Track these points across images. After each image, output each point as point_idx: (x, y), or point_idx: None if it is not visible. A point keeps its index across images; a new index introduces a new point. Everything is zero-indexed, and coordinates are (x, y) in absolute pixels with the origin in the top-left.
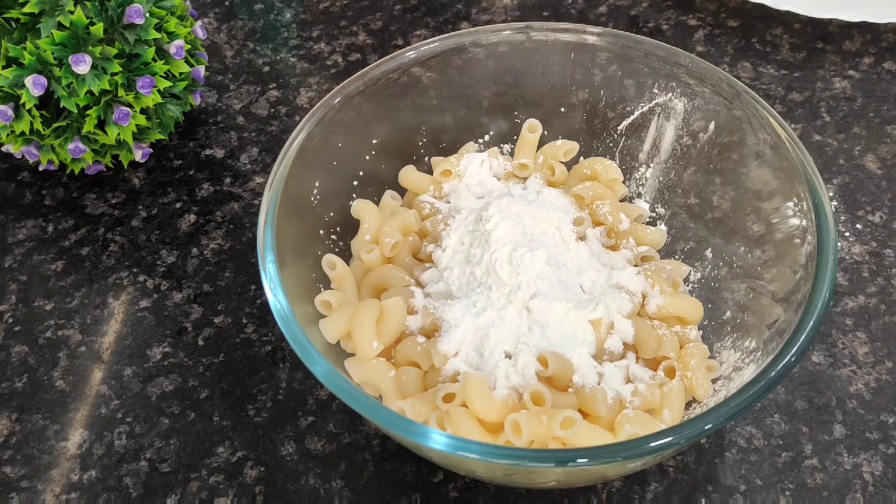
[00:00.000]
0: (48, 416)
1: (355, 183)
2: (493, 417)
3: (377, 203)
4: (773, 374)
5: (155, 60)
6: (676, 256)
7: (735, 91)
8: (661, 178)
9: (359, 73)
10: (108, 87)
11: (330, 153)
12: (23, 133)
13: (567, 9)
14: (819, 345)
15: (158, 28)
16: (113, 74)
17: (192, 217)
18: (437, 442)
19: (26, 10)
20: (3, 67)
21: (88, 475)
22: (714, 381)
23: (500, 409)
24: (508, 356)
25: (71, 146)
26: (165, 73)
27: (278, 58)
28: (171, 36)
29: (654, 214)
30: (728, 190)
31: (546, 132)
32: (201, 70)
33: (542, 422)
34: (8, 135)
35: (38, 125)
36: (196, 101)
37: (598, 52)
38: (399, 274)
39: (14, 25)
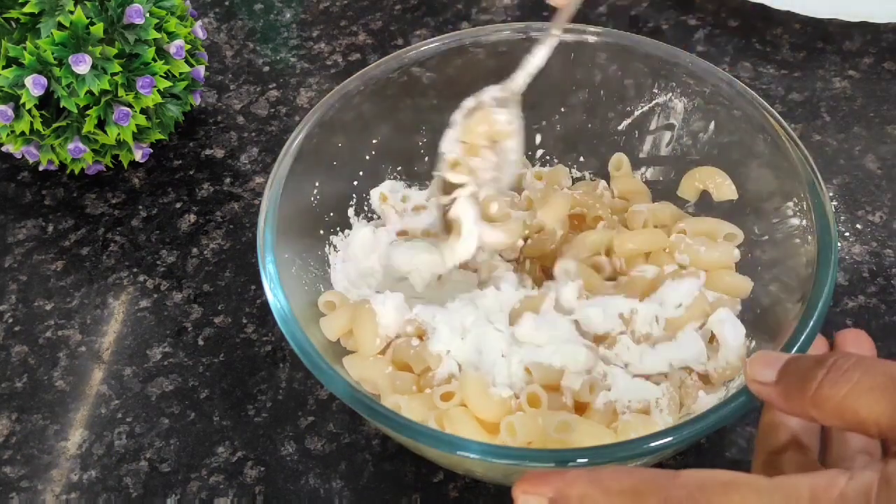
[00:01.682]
0: (48, 416)
1: (355, 183)
2: (492, 417)
3: None
4: None
5: (155, 60)
6: None
7: (735, 91)
8: (661, 178)
9: (359, 73)
10: (108, 87)
11: (330, 153)
12: (23, 133)
13: None
14: None
15: (158, 28)
16: (113, 74)
17: (192, 217)
18: (436, 442)
19: (26, 10)
20: (3, 67)
21: (88, 475)
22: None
23: (499, 408)
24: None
25: (71, 146)
26: (165, 73)
27: (278, 58)
28: (171, 36)
29: None
30: None
31: (545, 129)
32: (201, 70)
33: (537, 424)
34: (8, 135)
35: (38, 125)
36: (196, 101)
37: (598, 52)
38: None
39: (14, 25)
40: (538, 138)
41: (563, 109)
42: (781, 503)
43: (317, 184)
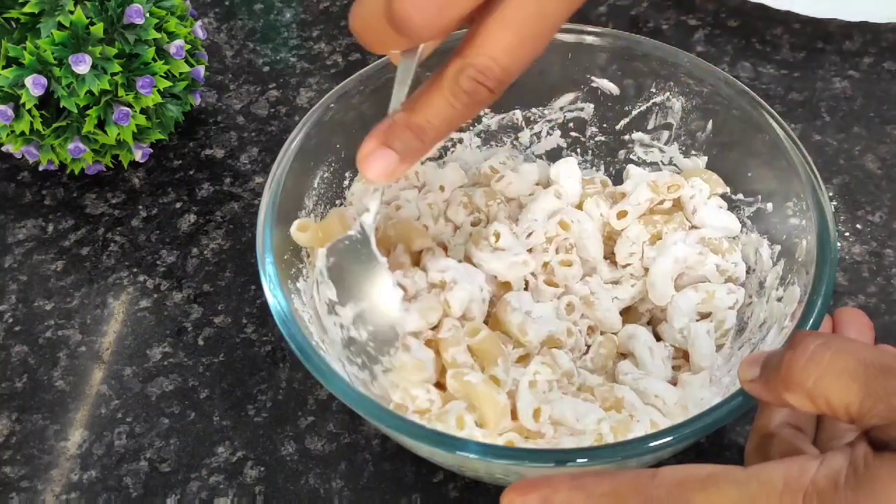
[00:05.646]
0: (48, 416)
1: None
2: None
3: None
4: None
5: (155, 60)
6: None
7: (735, 91)
8: None
9: (358, 73)
10: (108, 87)
11: (329, 153)
12: (23, 133)
13: None
14: None
15: (158, 28)
16: (113, 74)
17: (192, 217)
18: (436, 442)
19: (26, 10)
20: (3, 67)
21: (88, 475)
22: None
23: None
24: None
25: (71, 146)
26: (165, 73)
27: (278, 58)
28: (171, 36)
29: None
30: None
31: (544, 128)
32: (201, 70)
33: None
34: (8, 135)
35: (38, 125)
36: (196, 101)
37: (598, 52)
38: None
39: (14, 25)
40: (536, 138)
41: (561, 108)
42: (757, 493)
43: (316, 184)
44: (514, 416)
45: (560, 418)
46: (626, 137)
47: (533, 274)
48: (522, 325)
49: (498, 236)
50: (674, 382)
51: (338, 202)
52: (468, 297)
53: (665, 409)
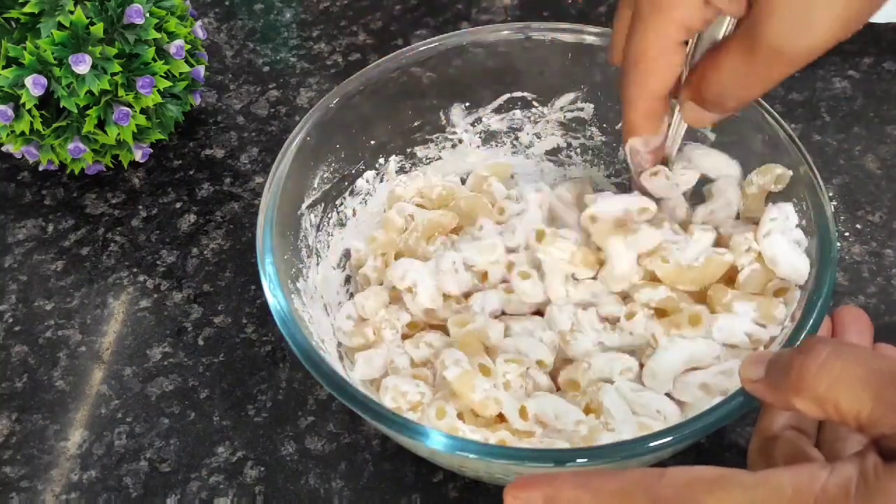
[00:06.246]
0: (48, 416)
1: (356, 183)
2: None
3: None
4: None
5: (155, 60)
6: None
7: None
8: None
9: (358, 73)
10: (108, 87)
11: (329, 153)
12: (23, 133)
13: (567, 9)
14: None
15: (158, 28)
16: (113, 74)
17: (192, 217)
18: (435, 442)
19: (26, 10)
20: (3, 67)
21: (88, 475)
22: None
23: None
24: None
25: (71, 146)
26: (165, 73)
27: (278, 58)
28: (171, 36)
29: None
30: None
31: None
32: (201, 70)
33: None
34: (8, 135)
35: (38, 125)
36: (196, 101)
37: (598, 52)
38: None
39: (14, 25)
40: (537, 138)
41: (561, 108)
42: (766, 498)
43: (316, 184)
44: (501, 418)
45: (540, 415)
46: None
47: (504, 280)
48: (484, 329)
49: (480, 228)
50: None
51: (339, 202)
52: (434, 289)
53: (666, 424)
